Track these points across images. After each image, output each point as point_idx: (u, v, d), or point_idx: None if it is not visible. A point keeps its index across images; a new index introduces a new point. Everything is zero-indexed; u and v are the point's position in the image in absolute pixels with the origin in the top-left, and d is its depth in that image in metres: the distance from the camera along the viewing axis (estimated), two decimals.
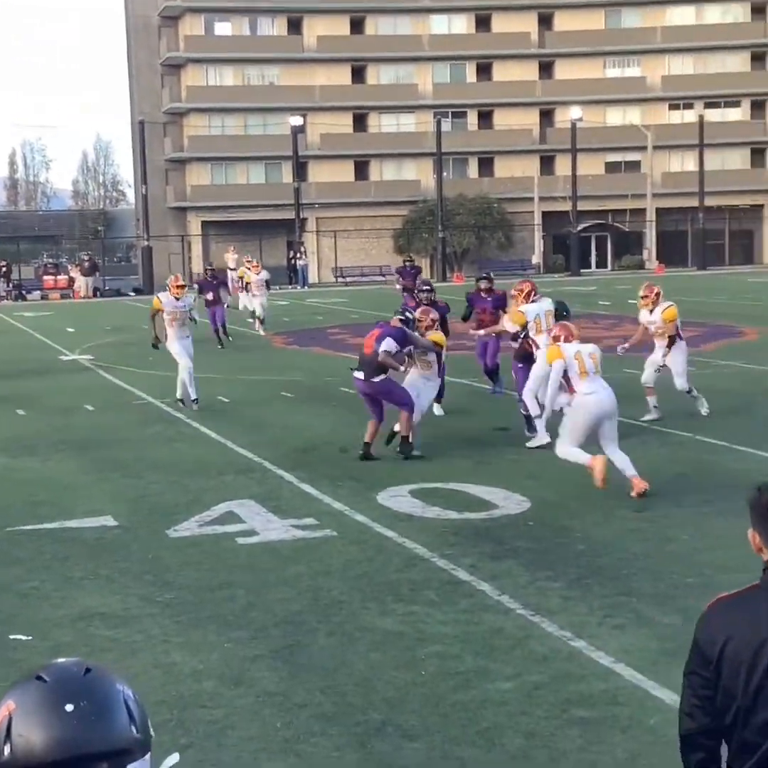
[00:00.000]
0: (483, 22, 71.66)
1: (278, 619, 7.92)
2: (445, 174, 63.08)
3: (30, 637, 7.59)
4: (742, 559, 8.94)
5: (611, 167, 71.81)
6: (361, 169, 70.74)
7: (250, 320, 31.04)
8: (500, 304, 17.71)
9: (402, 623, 7.78)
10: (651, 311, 15.14)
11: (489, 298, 17.94)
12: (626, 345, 15.27)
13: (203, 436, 15.21)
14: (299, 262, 55.88)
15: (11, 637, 7.65)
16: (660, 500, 10.90)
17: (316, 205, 66.61)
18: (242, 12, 69.22)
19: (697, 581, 8.41)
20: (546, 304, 14.50)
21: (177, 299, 17.42)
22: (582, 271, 62.16)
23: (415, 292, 18.18)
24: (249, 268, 31.97)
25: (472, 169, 72.02)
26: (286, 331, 30.25)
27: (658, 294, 15.17)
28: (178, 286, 17.49)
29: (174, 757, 2.04)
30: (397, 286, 31.74)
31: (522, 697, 6.55)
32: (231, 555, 9.51)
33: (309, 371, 21.57)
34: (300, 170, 61.92)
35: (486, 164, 71.86)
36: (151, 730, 1.97)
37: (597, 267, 69.22)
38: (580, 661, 7.09)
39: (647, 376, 15.19)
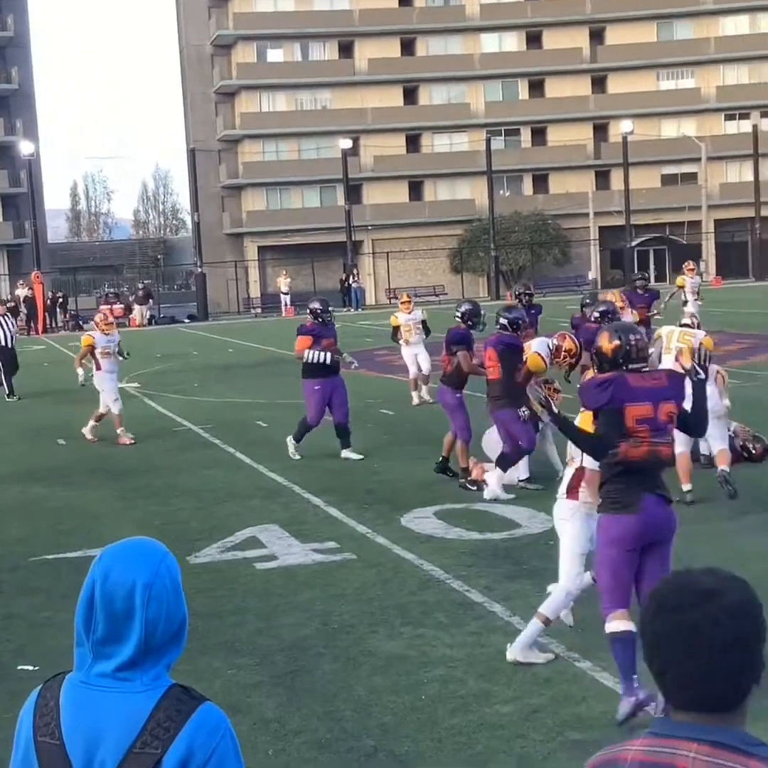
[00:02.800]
0: (534, 39, 71.60)
1: (284, 644, 7.89)
2: (500, 192, 62.97)
3: (37, 668, 7.60)
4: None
5: (667, 180, 71.29)
6: (415, 190, 70.88)
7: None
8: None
9: (408, 647, 7.72)
10: None
11: (646, 294, 17.85)
12: None
13: (237, 461, 15.24)
14: (353, 285, 55.95)
15: (19, 667, 7.69)
16: (682, 517, 10.71)
17: (370, 227, 66.78)
18: (293, 38, 69.72)
19: None
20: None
21: (106, 335, 17.59)
22: None
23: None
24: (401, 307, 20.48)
25: (527, 187, 71.89)
26: None
27: None
28: (107, 324, 17.75)
29: None
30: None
31: (519, 720, 6.46)
32: (247, 581, 9.49)
33: (350, 393, 21.49)
34: (354, 192, 62.07)
35: (540, 181, 71.70)
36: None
37: (656, 281, 68.50)
38: (584, 682, 6.98)
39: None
